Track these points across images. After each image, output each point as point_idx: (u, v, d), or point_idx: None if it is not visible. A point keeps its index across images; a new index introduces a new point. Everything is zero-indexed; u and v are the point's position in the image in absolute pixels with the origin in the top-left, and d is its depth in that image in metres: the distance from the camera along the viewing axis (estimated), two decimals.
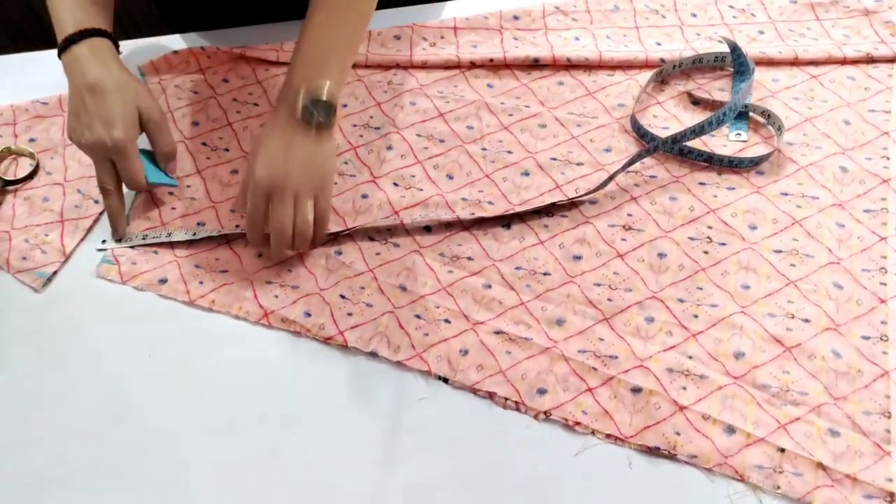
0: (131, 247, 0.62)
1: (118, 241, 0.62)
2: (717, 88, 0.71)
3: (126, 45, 0.78)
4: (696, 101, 0.70)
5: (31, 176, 0.67)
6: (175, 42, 0.77)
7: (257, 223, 0.57)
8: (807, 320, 0.55)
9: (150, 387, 0.54)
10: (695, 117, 0.68)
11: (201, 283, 0.59)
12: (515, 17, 0.77)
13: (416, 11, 0.79)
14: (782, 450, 0.49)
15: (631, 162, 0.63)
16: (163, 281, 0.60)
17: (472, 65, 0.73)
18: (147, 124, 0.60)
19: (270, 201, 0.55)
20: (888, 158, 0.64)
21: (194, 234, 0.61)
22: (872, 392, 0.51)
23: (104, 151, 0.58)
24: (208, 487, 0.50)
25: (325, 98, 0.55)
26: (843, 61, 0.72)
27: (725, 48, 0.71)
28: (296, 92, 0.55)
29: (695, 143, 0.66)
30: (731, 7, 0.78)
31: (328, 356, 0.55)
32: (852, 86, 0.70)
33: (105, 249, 0.62)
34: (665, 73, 0.71)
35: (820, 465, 0.48)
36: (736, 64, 0.71)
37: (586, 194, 0.63)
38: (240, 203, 0.58)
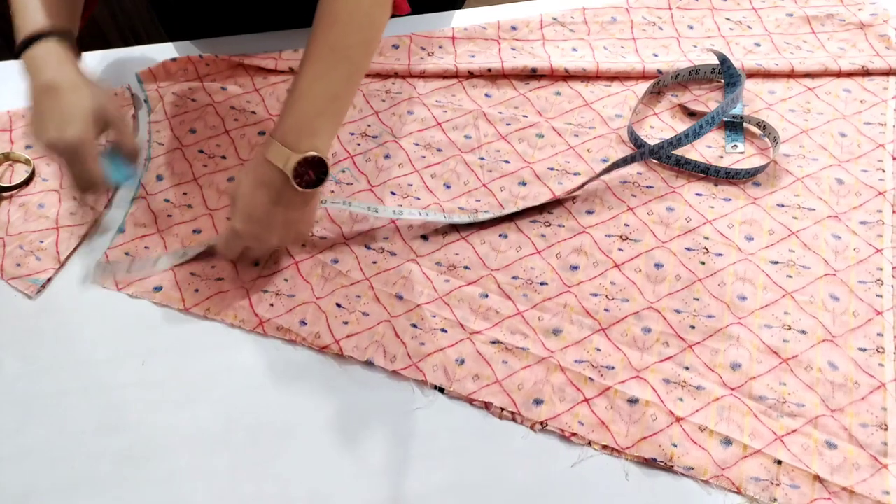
0: (116, 277, 0.61)
1: (104, 271, 0.60)
2: (713, 100, 0.71)
3: (125, 53, 0.78)
4: (692, 113, 0.70)
5: (26, 182, 0.67)
6: (173, 50, 0.77)
7: (230, 257, 0.60)
8: (803, 332, 0.55)
9: (144, 396, 0.54)
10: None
11: (196, 290, 0.59)
12: (513, 28, 0.77)
13: (418, 21, 0.79)
14: (779, 462, 0.49)
15: (616, 165, 0.63)
16: (158, 289, 0.59)
17: (470, 74, 0.74)
18: (106, 125, 0.58)
19: (245, 245, 0.57)
20: (884, 171, 0.64)
21: (184, 254, 0.60)
22: (869, 404, 0.51)
23: (60, 152, 0.56)
24: (202, 498, 0.50)
25: (319, 157, 0.53)
26: (839, 74, 0.72)
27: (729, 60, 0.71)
28: (286, 150, 0.52)
29: (691, 155, 0.66)
30: (728, 19, 0.78)
31: (324, 365, 0.55)
32: (848, 98, 0.70)
33: (100, 266, 0.61)
34: (662, 85, 0.72)
35: (817, 478, 0.48)
36: (726, 76, 0.71)
37: (572, 191, 0.63)
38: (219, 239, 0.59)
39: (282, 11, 0.79)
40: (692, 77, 0.72)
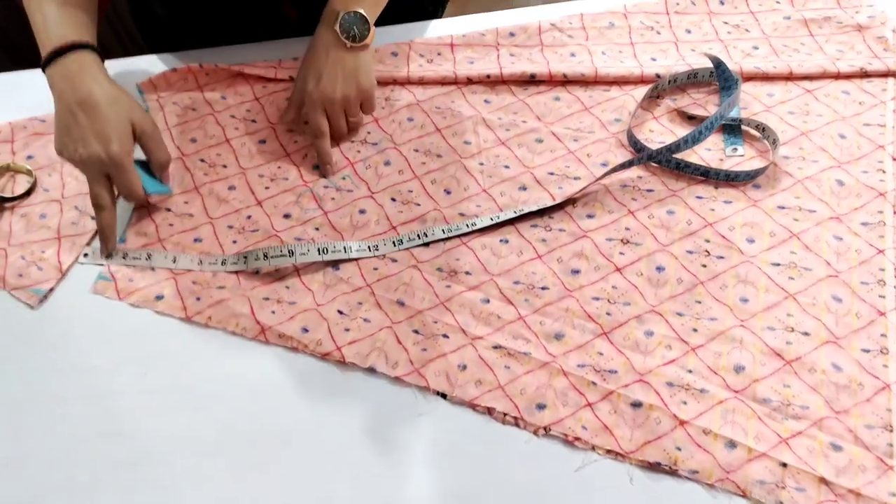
0: (108, 263, 0.61)
1: (107, 256, 0.61)
2: (711, 103, 0.71)
3: (124, 63, 0.78)
4: (691, 116, 0.70)
5: (28, 193, 0.67)
6: (173, 60, 0.77)
7: (323, 132, 0.66)
8: (806, 333, 0.55)
9: (146, 404, 0.54)
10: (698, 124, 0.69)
11: (198, 299, 0.59)
12: (511, 34, 0.77)
13: (417, 28, 0.79)
14: (784, 464, 0.49)
15: (616, 170, 0.63)
16: (159, 297, 0.59)
17: (469, 81, 0.74)
18: (141, 136, 0.61)
19: (326, 113, 0.65)
20: (884, 172, 0.64)
21: (175, 258, 0.61)
22: (874, 405, 0.51)
23: (100, 166, 0.58)
24: None
25: (361, 13, 0.63)
26: (838, 76, 0.72)
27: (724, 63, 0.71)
28: (335, 14, 0.63)
29: (691, 158, 0.66)
30: (726, 23, 0.78)
31: (325, 372, 0.55)
32: (847, 100, 0.70)
33: (85, 263, 0.62)
34: (661, 89, 0.72)
35: (823, 480, 0.48)
36: (721, 79, 0.71)
37: (572, 196, 0.63)
38: (288, 116, 0.69)
39: (280, 20, 0.79)
40: (690, 81, 0.72)
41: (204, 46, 0.79)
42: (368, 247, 0.61)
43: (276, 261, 0.60)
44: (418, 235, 0.61)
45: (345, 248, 0.61)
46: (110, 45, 1.31)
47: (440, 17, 0.89)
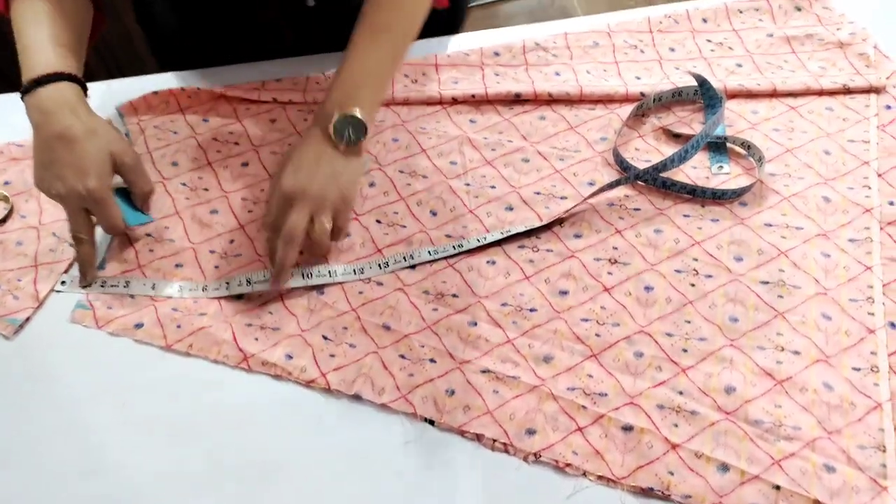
0: (86, 292, 0.60)
1: (84, 286, 0.60)
2: (696, 121, 0.71)
3: (106, 86, 0.77)
4: (676, 135, 0.70)
5: (4, 219, 0.66)
6: (154, 83, 0.77)
7: (277, 228, 0.57)
8: (797, 352, 0.54)
9: (125, 437, 0.52)
10: (676, 149, 0.68)
11: (179, 326, 0.58)
12: (496, 54, 0.77)
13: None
14: (777, 487, 0.48)
15: (603, 190, 0.63)
16: (139, 326, 0.58)
17: (454, 100, 0.73)
18: (121, 168, 0.59)
19: (290, 208, 0.56)
20: (870, 188, 0.64)
21: (154, 286, 0.60)
22: (866, 425, 0.51)
23: (79, 201, 0.57)
24: None
25: (357, 117, 0.57)
26: (821, 92, 0.72)
27: (707, 82, 0.71)
28: (330, 112, 0.57)
29: (677, 176, 0.66)
30: (709, 41, 0.79)
31: (310, 400, 0.54)
32: (830, 116, 0.71)
33: (62, 292, 0.60)
34: (646, 107, 0.72)
35: (817, 502, 0.47)
36: (706, 97, 0.71)
37: (559, 217, 0.63)
38: (266, 212, 0.60)
39: (275, 41, 0.78)
40: (675, 99, 0.73)
41: (216, 60, 0.78)
42: (354, 270, 0.60)
43: (260, 286, 0.59)
44: (404, 258, 0.61)
45: (329, 271, 0.60)
46: (95, 67, 1.30)
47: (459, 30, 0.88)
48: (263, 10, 0.76)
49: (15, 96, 0.73)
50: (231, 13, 0.76)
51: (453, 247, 0.61)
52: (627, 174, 0.64)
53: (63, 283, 0.61)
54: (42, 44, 0.58)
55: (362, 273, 0.60)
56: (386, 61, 0.61)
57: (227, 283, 0.59)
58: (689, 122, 0.71)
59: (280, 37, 0.79)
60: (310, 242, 0.58)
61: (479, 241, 0.61)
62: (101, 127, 0.58)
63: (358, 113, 0.57)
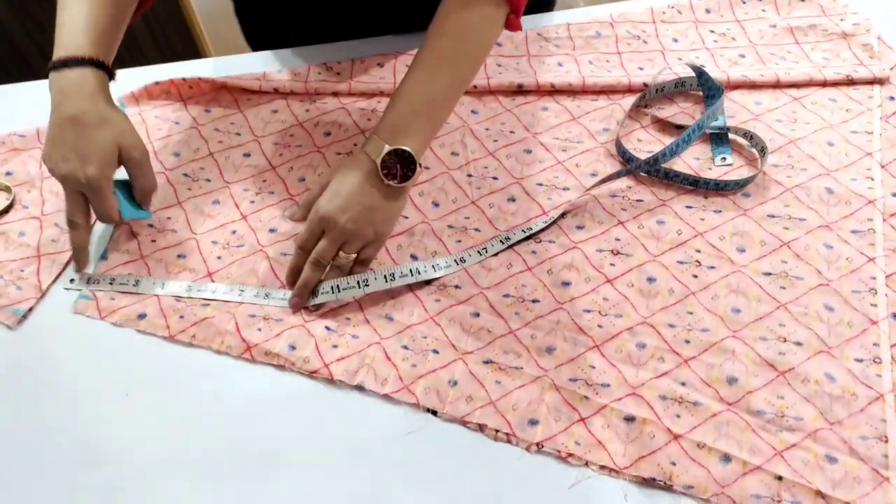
0: (96, 290, 0.60)
1: (87, 282, 0.60)
2: (699, 112, 0.71)
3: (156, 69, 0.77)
4: (678, 126, 0.70)
5: (6, 210, 0.65)
6: (156, 73, 0.76)
7: (305, 249, 0.57)
8: (799, 343, 0.54)
9: (128, 427, 0.52)
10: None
11: (182, 317, 0.58)
12: (498, 45, 0.77)
13: (408, 39, 0.79)
14: (780, 478, 0.48)
15: (604, 180, 0.63)
16: (142, 316, 0.58)
17: None
18: (128, 162, 0.59)
19: (323, 234, 0.56)
20: (873, 179, 0.64)
21: (163, 284, 0.59)
22: (868, 416, 0.51)
23: (77, 185, 0.57)
24: None
25: (408, 152, 0.55)
26: (824, 83, 0.72)
27: (706, 73, 0.71)
28: (381, 144, 0.56)
29: (680, 167, 0.66)
30: (712, 31, 0.78)
31: (313, 390, 0.54)
32: (834, 107, 0.70)
33: (71, 289, 0.60)
34: (648, 98, 0.72)
35: (819, 493, 0.47)
36: (704, 88, 0.71)
37: (562, 208, 0.62)
38: (298, 216, 0.61)
39: (363, 20, 0.78)
40: (678, 90, 0.72)
41: (306, 40, 0.78)
42: (385, 276, 0.58)
43: (276, 302, 0.58)
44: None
45: (359, 282, 0.57)
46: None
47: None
48: None
49: (16, 87, 0.72)
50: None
51: (500, 241, 0.61)
52: (629, 165, 0.64)
53: (72, 280, 0.61)
54: (77, 24, 0.58)
55: (420, 275, 0.58)
56: (446, 94, 0.58)
57: (242, 291, 0.59)
58: (692, 112, 0.71)
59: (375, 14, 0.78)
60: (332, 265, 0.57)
61: (502, 242, 0.60)
62: (115, 117, 0.58)
63: (409, 148, 0.55)
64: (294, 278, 0.58)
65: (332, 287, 0.57)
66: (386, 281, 0.57)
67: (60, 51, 0.57)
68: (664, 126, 0.70)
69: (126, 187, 0.61)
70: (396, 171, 0.56)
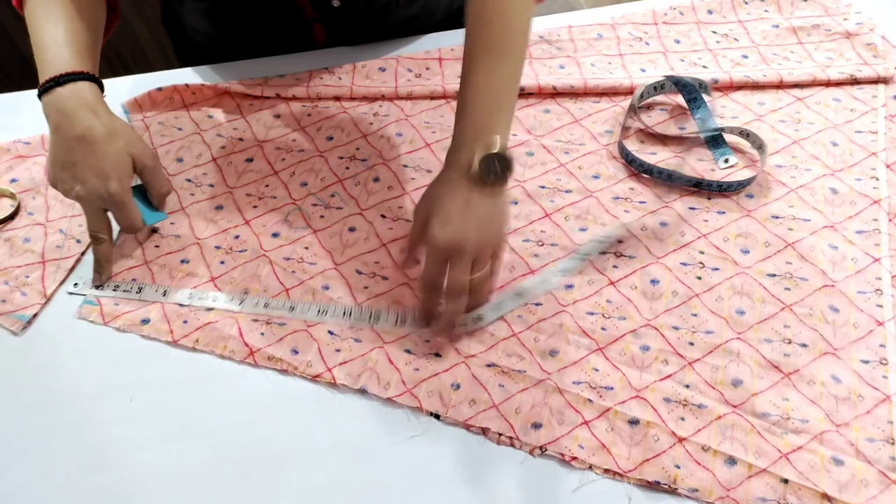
0: (100, 295, 0.60)
1: (97, 286, 0.60)
2: (687, 120, 0.70)
3: (110, 83, 0.77)
4: (681, 126, 0.70)
5: (11, 217, 0.66)
6: (159, 79, 0.77)
7: (437, 286, 0.54)
8: (804, 345, 0.54)
9: (131, 432, 0.53)
10: (681, 141, 0.68)
11: (185, 322, 0.58)
12: None
13: (424, 41, 0.79)
14: (786, 480, 0.48)
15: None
16: (145, 321, 0.58)
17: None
18: (141, 170, 0.58)
19: (449, 263, 0.53)
20: (877, 179, 0.64)
21: (165, 292, 0.60)
22: (875, 418, 0.50)
23: (99, 203, 0.56)
24: None
25: (500, 151, 0.53)
26: (828, 83, 0.72)
27: (706, 75, 0.71)
28: (470, 148, 0.53)
29: (684, 169, 0.65)
30: (714, 32, 0.78)
31: (316, 395, 0.54)
32: (838, 107, 0.70)
33: (75, 293, 0.60)
34: (647, 97, 0.71)
35: (825, 496, 0.47)
36: (684, 93, 0.70)
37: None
38: (407, 261, 0.58)
39: (304, 41, 0.78)
40: (679, 88, 0.72)
41: (237, 55, 0.78)
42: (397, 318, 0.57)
43: (276, 311, 0.58)
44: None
45: (371, 314, 0.57)
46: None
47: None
48: (292, 11, 0.75)
49: (20, 94, 0.73)
50: (260, 16, 0.76)
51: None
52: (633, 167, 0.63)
53: (76, 284, 0.61)
54: (58, 43, 0.57)
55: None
56: (510, 82, 0.57)
57: (242, 300, 0.59)
58: (680, 121, 0.70)
59: (308, 37, 0.79)
60: (471, 286, 0.54)
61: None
62: (121, 128, 0.57)
63: (500, 147, 0.53)
64: (427, 317, 0.56)
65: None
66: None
67: (49, 71, 0.56)
68: (667, 127, 0.70)
69: (140, 192, 0.61)
70: (496, 172, 0.53)
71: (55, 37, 0.58)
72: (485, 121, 0.54)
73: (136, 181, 0.61)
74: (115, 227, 0.61)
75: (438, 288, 0.54)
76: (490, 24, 0.56)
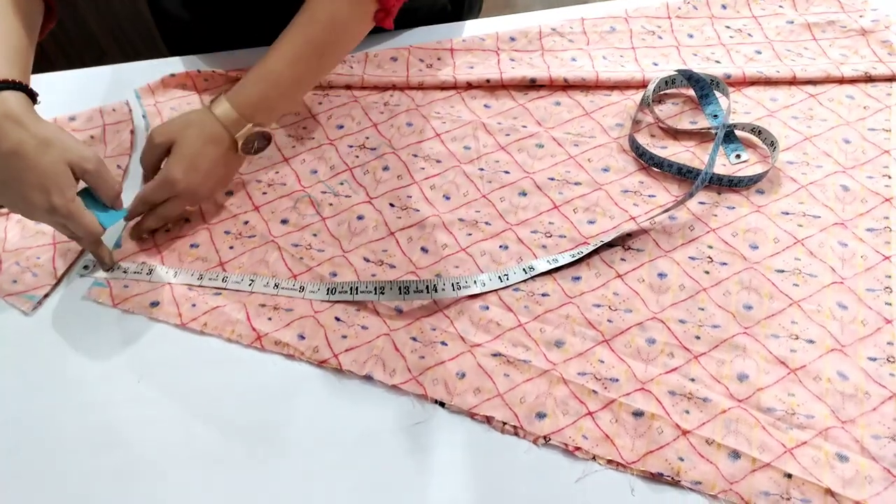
0: (110, 277, 0.60)
1: (107, 270, 0.61)
2: (699, 113, 0.70)
3: (123, 68, 0.78)
4: (693, 121, 0.69)
5: None
6: (172, 65, 0.77)
7: (149, 204, 0.61)
8: (811, 341, 0.54)
9: (140, 413, 0.53)
10: (692, 136, 0.68)
11: (193, 305, 0.58)
12: (512, 39, 0.77)
13: (422, 32, 0.79)
14: (789, 475, 0.48)
15: (670, 208, 0.61)
16: (154, 304, 0.59)
17: (469, 85, 0.73)
18: (83, 176, 0.55)
19: (171, 196, 0.59)
20: (890, 177, 0.63)
21: (175, 273, 0.60)
22: (881, 415, 0.50)
23: (49, 217, 0.54)
24: None
25: (269, 133, 0.61)
26: (842, 80, 0.71)
27: (719, 70, 0.71)
28: (240, 123, 0.59)
29: (694, 163, 0.65)
30: (728, 27, 0.78)
31: (322, 380, 0.54)
32: (851, 104, 0.70)
33: (86, 275, 0.61)
34: (658, 91, 0.71)
35: (829, 492, 0.47)
36: (696, 89, 0.70)
37: (654, 215, 0.62)
38: (149, 175, 0.62)
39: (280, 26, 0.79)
40: (691, 83, 0.72)
41: (223, 46, 0.78)
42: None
43: (286, 292, 0.58)
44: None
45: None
46: (110, 50, 1.31)
47: (476, 16, 0.88)
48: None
49: (35, 77, 0.73)
50: (243, 4, 0.76)
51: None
52: (683, 196, 0.61)
53: (86, 266, 0.61)
54: None
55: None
56: (308, 81, 0.65)
57: (252, 281, 0.59)
58: (692, 115, 0.70)
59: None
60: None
61: (548, 262, 0.59)
62: (53, 136, 0.53)
63: (269, 125, 0.60)
64: (140, 231, 0.62)
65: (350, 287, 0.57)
66: (428, 291, 0.57)
67: None
68: (678, 121, 0.69)
69: (90, 196, 0.57)
70: (254, 147, 0.61)
71: None
72: (269, 102, 0.61)
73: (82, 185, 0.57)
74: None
75: (150, 208, 0.61)
76: (316, 23, 0.61)
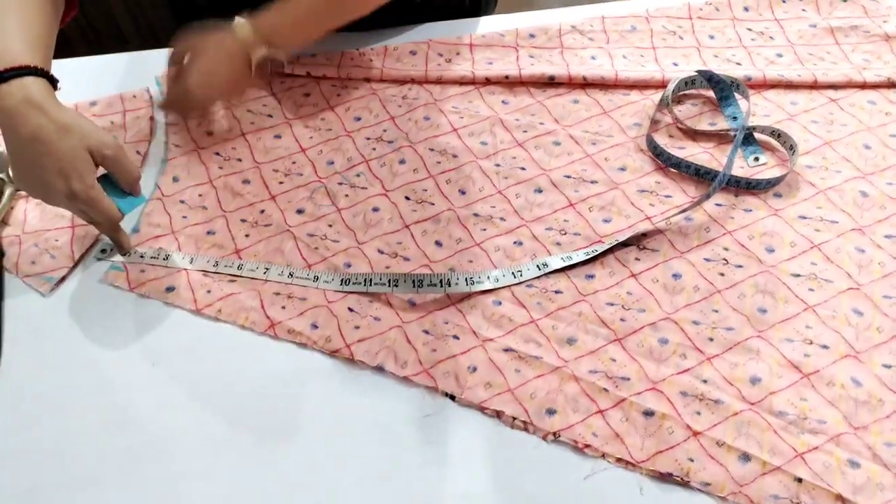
0: (127, 262, 0.61)
1: (125, 255, 0.61)
2: (718, 114, 0.70)
3: (144, 55, 0.78)
4: (712, 122, 0.69)
5: None
6: None
7: (172, 109, 0.69)
8: (825, 346, 0.54)
9: (153, 396, 0.54)
10: (711, 137, 0.68)
11: (209, 291, 0.59)
12: (531, 36, 0.77)
13: (444, 27, 0.79)
14: (799, 480, 0.47)
15: (688, 207, 0.61)
16: (170, 289, 0.59)
17: (487, 81, 0.73)
18: (103, 161, 0.55)
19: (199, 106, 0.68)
20: None
21: (192, 259, 0.60)
22: (894, 422, 0.50)
23: (68, 202, 0.54)
24: (206, 499, 0.49)
25: (282, 60, 0.66)
26: (864, 85, 0.71)
27: (739, 72, 0.70)
28: (260, 46, 0.63)
29: (712, 165, 0.65)
30: (750, 30, 0.77)
31: (334, 369, 0.55)
32: (873, 110, 0.69)
33: (103, 259, 0.61)
34: (678, 92, 0.71)
35: (839, 498, 0.47)
36: (717, 90, 0.69)
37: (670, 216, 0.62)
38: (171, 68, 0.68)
39: None
40: (711, 84, 0.71)
41: None
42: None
43: (301, 281, 0.59)
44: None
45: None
46: (131, 37, 1.32)
47: (491, 12, 0.88)
48: None
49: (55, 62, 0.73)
50: None
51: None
52: (701, 197, 0.61)
53: (104, 250, 0.62)
54: (7, 33, 0.54)
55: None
56: (330, 16, 0.66)
57: (267, 269, 0.59)
58: (711, 117, 0.70)
59: None
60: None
61: (587, 253, 0.59)
62: (73, 122, 0.53)
63: (286, 52, 0.65)
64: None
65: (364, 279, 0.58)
66: (441, 286, 0.57)
67: None
68: (697, 122, 0.69)
69: (109, 181, 0.57)
70: (268, 71, 0.67)
71: (5, 27, 0.55)
72: (289, 30, 0.65)
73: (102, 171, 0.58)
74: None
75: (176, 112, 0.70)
76: None
